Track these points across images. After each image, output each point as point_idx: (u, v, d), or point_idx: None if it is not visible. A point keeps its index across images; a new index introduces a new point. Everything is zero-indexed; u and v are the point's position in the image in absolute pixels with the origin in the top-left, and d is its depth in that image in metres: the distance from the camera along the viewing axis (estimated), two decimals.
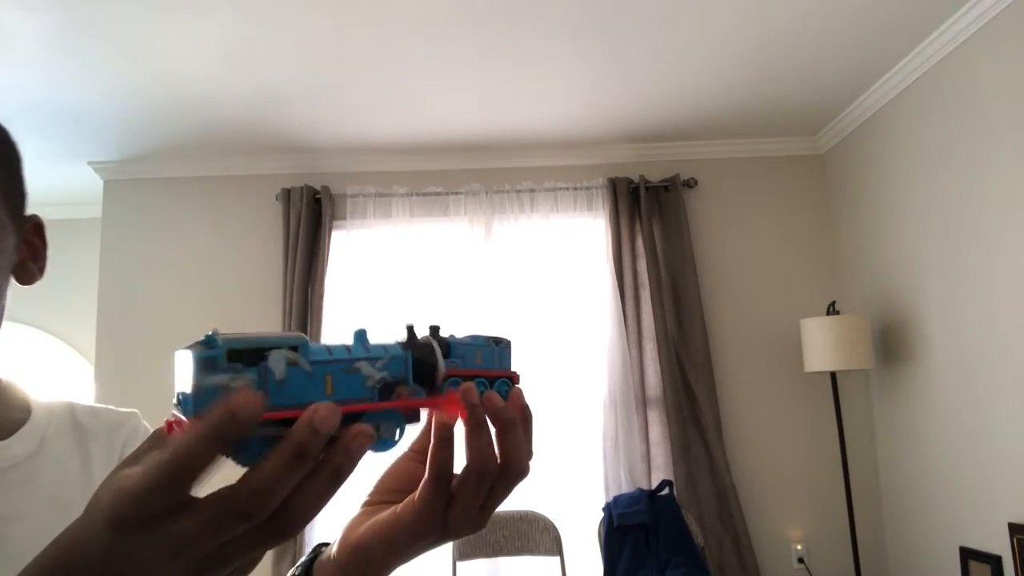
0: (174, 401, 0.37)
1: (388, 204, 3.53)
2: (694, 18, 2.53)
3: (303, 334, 0.39)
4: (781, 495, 3.40)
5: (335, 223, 3.50)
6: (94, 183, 3.69)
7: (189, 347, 0.36)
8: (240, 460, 0.36)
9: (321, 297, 3.37)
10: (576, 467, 3.35)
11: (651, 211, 3.52)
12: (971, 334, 2.62)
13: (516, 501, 3.20)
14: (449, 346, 0.47)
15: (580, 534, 3.18)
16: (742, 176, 3.67)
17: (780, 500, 3.40)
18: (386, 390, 0.42)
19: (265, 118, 3.19)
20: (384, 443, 0.42)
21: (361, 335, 0.42)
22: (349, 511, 0.53)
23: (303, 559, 0.53)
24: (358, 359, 0.41)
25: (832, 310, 3.14)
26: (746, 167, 3.68)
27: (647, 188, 3.52)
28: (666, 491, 3.07)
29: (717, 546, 3.20)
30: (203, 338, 0.36)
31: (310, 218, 3.45)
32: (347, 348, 0.41)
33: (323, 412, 0.36)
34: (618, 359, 3.35)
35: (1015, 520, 2.41)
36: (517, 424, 0.46)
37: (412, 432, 0.45)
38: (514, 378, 0.51)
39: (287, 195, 3.50)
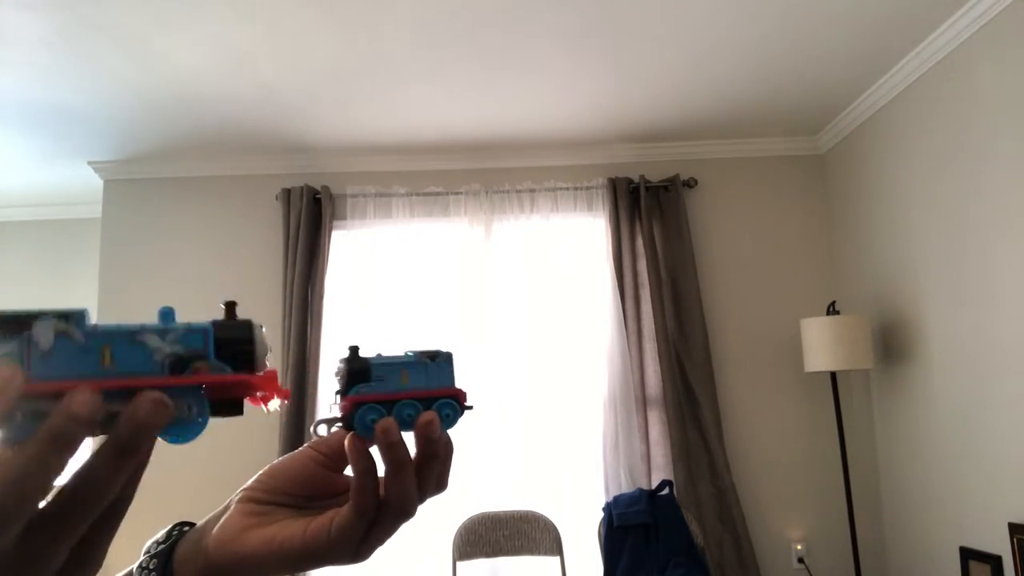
0: None
1: (388, 204, 3.53)
2: (694, 18, 2.53)
3: (87, 309, 0.35)
4: (781, 495, 3.40)
5: (335, 223, 3.50)
6: (94, 183, 3.69)
7: None
8: (8, 439, 0.32)
9: (321, 297, 3.36)
10: (576, 467, 3.35)
11: (651, 211, 3.52)
12: (971, 334, 2.62)
13: (516, 501, 3.21)
14: (368, 367, 0.43)
15: (580, 534, 3.18)
16: (742, 176, 3.67)
17: (780, 500, 3.40)
18: (178, 364, 0.37)
19: (265, 118, 3.19)
20: (184, 428, 0.37)
21: (165, 313, 0.38)
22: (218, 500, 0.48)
23: (158, 538, 0.47)
24: (144, 330, 0.36)
25: (832, 310, 3.14)
26: (746, 167, 3.68)
27: (647, 188, 3.52)
28: (666, 491, 3.07)
29: (717, 546, 3.20)
30: None
31: (310, 218, 3.45)
32: (141, 324, 0.37)
33: (80, 397, 0.32)
34: (618, 359, 3.35)
35: (1015, 520, 2.41)
36: (407, 465, 0.41)
37: (226, 424, 0.42)
38: (459, 396, 0.44)
39: (287, 195, 3.50)
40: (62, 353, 0.34)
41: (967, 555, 2.64)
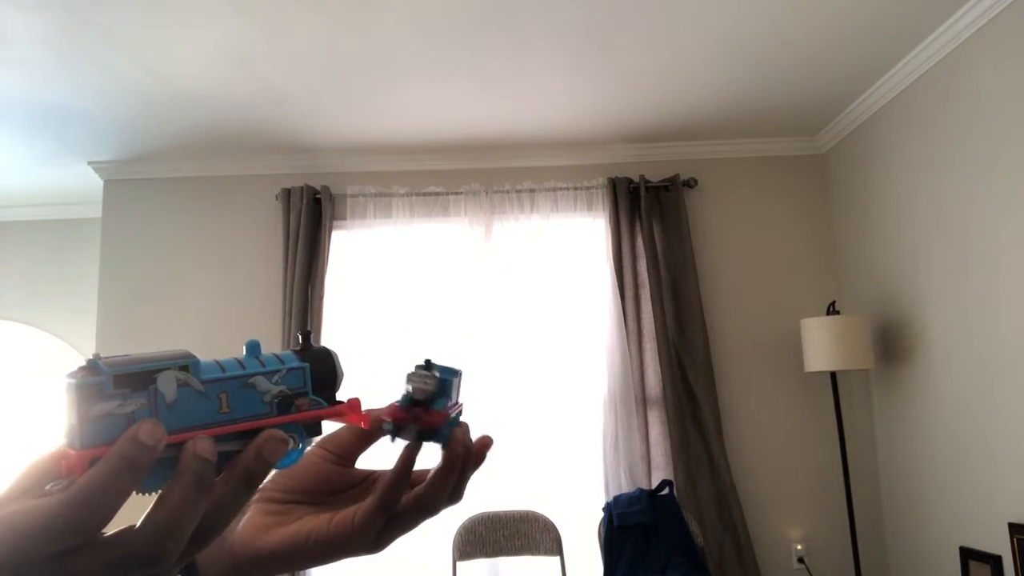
0: (64, 433, 0.35)
1: (388, 204, 3.53)
2: (694, 18, 2.53)
3: (191, 353, 0.38)
4: (781, 495, 3.40)
5: (335, 223, 3.50)
6: (94, 183, 3.70)
7: (68, 374, 0.35)
8: (142, 489, 0.35)
9: (321, 297, 3.37)
10: (576, 467, 3.35)
11: (651, 211, 3.52)
12: (971, 334, 2.62)
13: (516, 501, 3.21)
14: (449, 384, 0.46)
15: (580, 534, 3.18)
16: (742, 176, 3.67)
17: (780, 500, 3.40)
18: (285, 403, 0.41)
19: (265, 118, 3.19)
20: (289, 455, 0.40)
21: (253, 347, 0.41)
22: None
23: None
24: (254, 374, 0.39)
25: (832, 310, 3.14)
26: (746, 167, 3.68)
27: (647, 188, 3.52)
28: (666, 491, 3.07)
29: (717, 546, 3.20)
30: (86, 363, 0.35)
31: (310, 218, 3.45)
32: (240, 363, 0.40)
33: (204, 444, 0.35)
34: (618, 359, 3.35)
35: (1015, 520, 2.41)
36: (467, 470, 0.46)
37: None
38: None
39: (287, 195, 3.50)
40: (185, 403, 0.37)
41: (967, 555, 2.64)
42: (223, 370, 0.39)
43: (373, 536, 0.45)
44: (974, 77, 2.56)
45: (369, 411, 0.47)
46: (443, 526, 3.15)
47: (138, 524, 0.34)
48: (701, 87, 3.06)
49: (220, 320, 3.48)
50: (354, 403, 0.44)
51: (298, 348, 0.44)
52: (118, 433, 0.34)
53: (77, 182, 3.79)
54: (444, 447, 0.45)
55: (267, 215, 3.59)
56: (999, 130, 2.45)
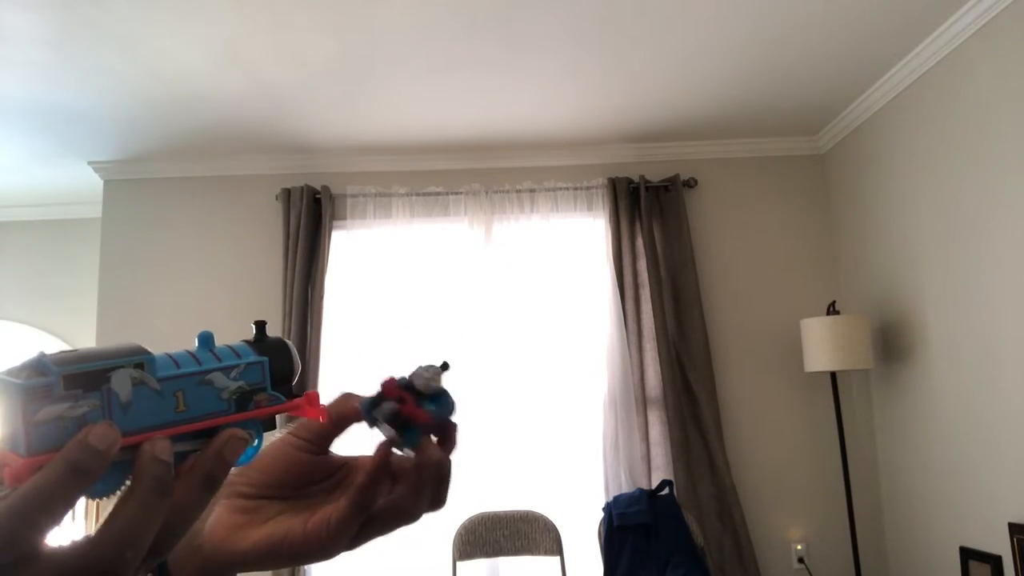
0: (5, 438, 0.33)
1: (388, 204, 3.53)
2: (694, 18, 2.53)
3: (143, 347, 0.36)
4: (781, 495, 3.40)
5: (335, 223, 3.50)
6: (94, 183, 3.69)
7: (9, 373, 0.32)
8: (93, 494, 0.33)
9: (321, 297, 3.36)
10: (576, 467, 3.35)
11: (651, 211, 3.52)
12: (971, 334, 2.62)
13: (516, 501, 3.21)
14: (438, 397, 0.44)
15: (580, 534, 3.18)
16: (742, 176, 3.67)
17: (780, 500, 3.40)
18: (243, 400, 0.39)
19: (265, 118, 3.19)
20: (246, 452, 0.39)
21: (206, 339, 0.39)
22: None
23: None
24: (211, 370, 0.38)
25: (832, 310, 3.14)
26: (746, 167, 3.68)
27: (647, 188, 3.52)
28: (666, 491, 3.07)
29: (717, 546, 3.20)
30: (30, 361, 0.32)
31: (310, 218, 3.45)
32: (194, 356, 0.38)
33: (161, 444, 0.34)
34: (618, 359, 3.35)
35: (1015, 520, 2.41)
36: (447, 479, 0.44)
37: (268, 437, 0.43)
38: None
39: (287, 195, 3.50)
40: (140, 403, 0.35)
41: (967, 555, 2.64)
42: (177, 365, 0.37)
43: (348, 539, 0.43)
44: (974, 77, 2.56)
45: (332, 404, 0.45)
46: (443, 526, 3.15)
47: (94, 534, 0.32)
48: (701, 87, 3.06)
49: (220, 320, 3.48)
50: (312, 396, 0.42)
51: (251, 340, 0.42)
52: (68, 437, 0.31)
53: (77, 182, 3.79)
54: (415, 452, 0.43)
55: (267, 215, 3.59)
56: (999, 130, 2.45)
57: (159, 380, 0.36)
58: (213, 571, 0.43)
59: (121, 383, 0.34)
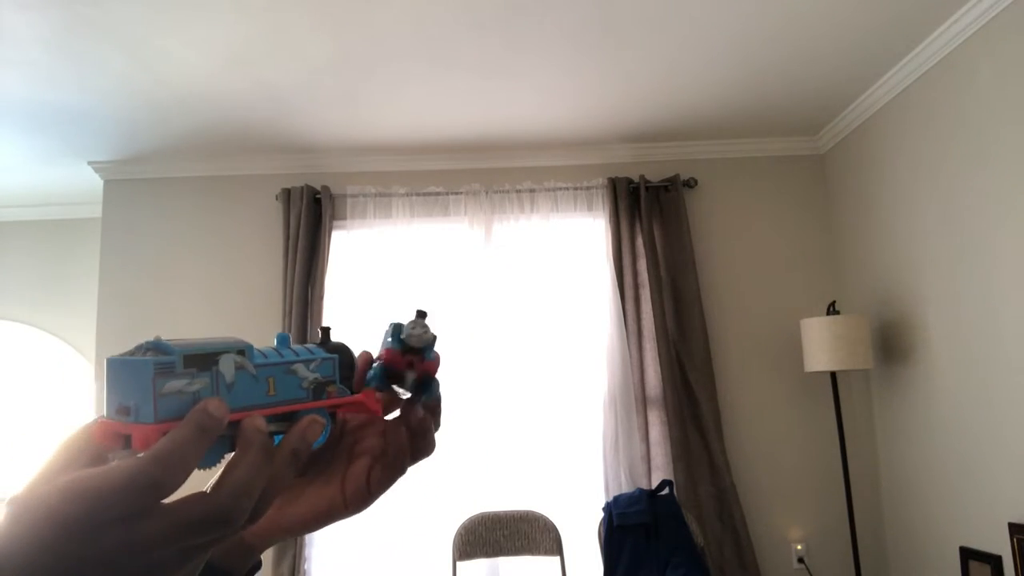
0: (107, 410, 0.37)
1: (388, 204, 3.53)
2: (694, 18, 2.53)
3: (244, 340, 0.41)
4: (781, 495, 3.40)
5: (335, 223, 3.50)
6: (94, 183, 3.70)
7: (133, 354, 0.37)
8: (201, 464, 0.37)
9: (321, 297, 3.37)
10: (576, 467, 3.35)
11: (651, 211, 3.52)
12: (971, 334, 2.62)
13: (516, 501, 3.21)
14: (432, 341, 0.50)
15: (580, 534, 3.18)
16: (742, 176, 3.67)
17: (780, 500, 3.40)
18: (319, 390, 0.45)
19: (265, 118, 3.19)
20: (319, 438, 0.44)
21: (284, 339, 0.45)
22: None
23: None
24: (295, 361, 0.43)
25: (832, 310, 3.14)
26: (746, 167, 3.68)
27: (647, 188, 3.52)
28: (666, 491, 3.07)
29: (717, 546, 3.20)
30: (147, 343, 0.37)
31: (310, 218, 3.45)
32: (277, 352, 0.43)
33: (260, 420, 0.39)
34: (618, 359, 3.35)
35: (1015, 520, 2.41)
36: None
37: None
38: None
39: (287, 195, 3.50)
40: (240, 384, 0.40)
41: (967, 555, 2.64)
42: (266, 357, 0.42)
43: (368, 501, 0.50)
44: (974, 77, 2.56)
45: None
46: (443, 526, 3.15)
47: (210, 488, 0.36)
48: (701, 87, 3.06)
49: (220, 320, 3.48)
50: (370, 393, 0.48)
51: (319, 342, 0.47)
52: (185, 409, 0.36)
53: (77, 182, 3.79)
54: (429, 399, 0.49)
55: (267, 215, 3.59)
56: (999, 130, 2.45)
57: (255, 366, 0.41)
58: (249, 544, 0.49)
59: (227, 366, 0.39)
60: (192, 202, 3.62)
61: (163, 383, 0.36)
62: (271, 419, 0.41)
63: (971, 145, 2.59)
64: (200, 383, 0.37)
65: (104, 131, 3.25)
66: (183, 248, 3.58)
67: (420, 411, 0.49)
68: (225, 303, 3.51)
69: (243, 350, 0.40)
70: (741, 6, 2.47)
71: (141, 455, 0.34)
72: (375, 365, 0.48)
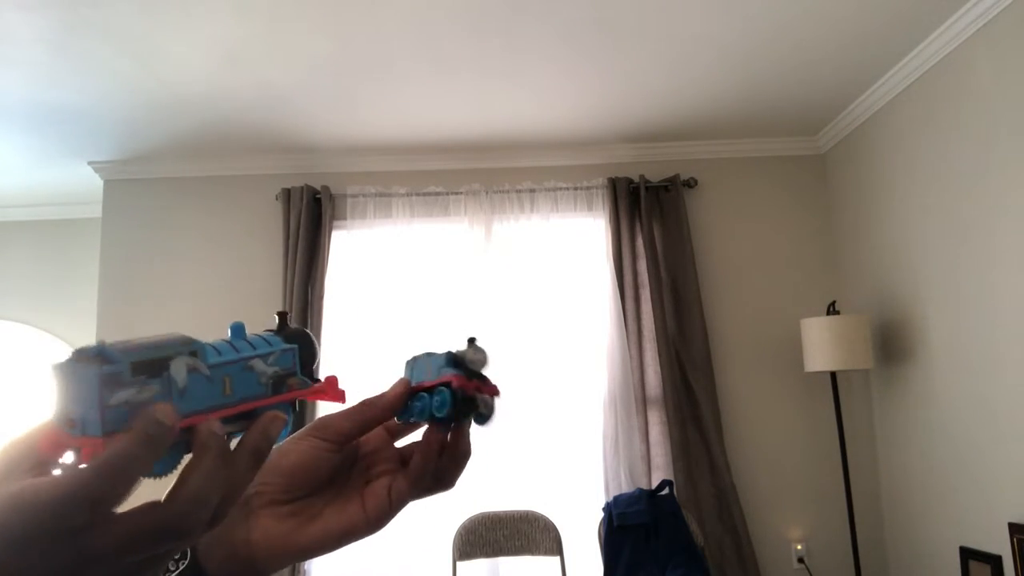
0: (55, 417, 0.35)
1: (388, 204, 3.53)
2: (694, 18, 2.53)
3: (191, 337, 0.39)
4: (781, 495, 3.40)
5: (335, 223, 3.50)
6: (94, 183, 3.69)
7: (77, 360, 0.34)
8: (153, 473, 0.35)
9: (321, 297, 3.36)
10: (576, 467, 3.35)
11: (651, 211, 3.52)
12: (971, 334, 2.62)
13: (516, 501, 3.21)
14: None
15: (580, 534, 3.18)
16: (742, 176, 3.67)
17: (780, 500, 3.40)
18: (278, 383, 0.43)
19: (265, 118, 3.19)
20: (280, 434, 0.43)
21: (239, 329, 0.42)
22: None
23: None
24: (252, 357, 0.41)
25: (832, 310, 3.14)
26: (746, 167, 3.68)
27: (647, 188, 3.52)
28: (666, 491, 3.07)
29: (717, 546, 3.20)
30: (91, 348, 0.34)
31: (310, 218, 3.45)
32: (232, 346, 0.41)
33: (216, 423, 0.37)
34: (618, 359, 3.35)
35: (1015, 520, 2.41)
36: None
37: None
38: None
39: (287, 195, 3.50)
40: (194, 387, 0.38)
41: (967, 555, 2.64)
42: (220, 353, 0.40)
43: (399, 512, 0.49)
44: (974, 77, 2.56)
45: (353, 412, 0.49)
46: (443, 526, 3.15)
47: (164, 498, 0.35)
48: (701, 87, 3.06)
49: (220, 320, 3.46)
50: (333, 380, 0.46)
51: (275, 329, 0.45)
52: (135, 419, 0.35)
53: (77, 182, 3.79)
54: (486, 423, 0.48)
55: (267, 215, 3.59)
56: (999, 130, 2.45)
57: (209, 367, 0.39)
58: (260, 568, 0.47)
59: (178, 370, 0.37)
60: (192, 202, 3.62)
61: (110, 394, 0.34)
62: (230, 419, 0.40)
63: (971, 145, 2.59)
64: (150, 391, 0.35)
65: (104, 131, 3.25)
66: (183, 248, 3.57)
67: (469, 443, 0.48)
68: (225, 303, 3.51)
69: (195, 351, 0.38)
70: (741, 6, 2.47)
71: (83, 466, 0.32)
72: (442, 389, 0.46)
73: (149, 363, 0.35)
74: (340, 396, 0.46)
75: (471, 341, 0.48)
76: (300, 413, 0.48)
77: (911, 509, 3.08)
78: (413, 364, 0.49)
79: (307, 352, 0.45)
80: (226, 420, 0.39)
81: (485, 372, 0.47)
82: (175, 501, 0.34)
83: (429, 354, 0.49)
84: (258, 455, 0.39)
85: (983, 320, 2.56)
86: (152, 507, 0.34)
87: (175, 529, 0.34)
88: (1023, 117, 2.34)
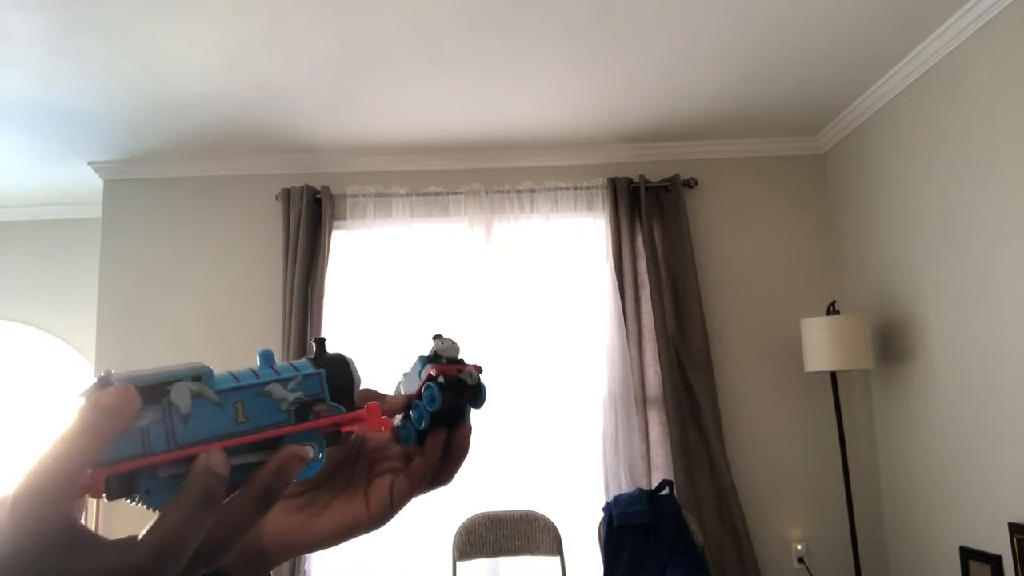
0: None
1: (388, 204, 3.53)
2: (694, 18, 2.53)
3: (205, 364, 0.37)
4: (781, 495, 3.40)
5: (335, 223, 3.50)
6: (94, 183, 3.69)
7: (83, 392, 0.34)
8: (151, 502, 0.34)
9: (321, 297, 3.36)
10: (576, 467, 3.35)
11: (651, 211, 3.52)
12: (971, 334, 2.62)
13: (516, 501, 3.21)
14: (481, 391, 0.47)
15: (580, 534, 3.18)
16: (742, 176, 3.67)
17: (780, 500, 3.40)
18: (302, 410, 0.40)
19: (265, 118, 3.19)
20: (313, 463, 0.40)
21: (267, 356, 0.40)
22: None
23: None
24: (268, 382, 0.39)
25: (832, 310, 3.14)
26: (746, 167, 3.68)
27: (647, 188, 3.52)
28: (666, 491, 3.07)
29: (717, 546, 3.20)
30: (96, 379, 0.34)
31: (310, 218, 3.45)
32: (255, 373, 0.39)
33: (216, 457, 0.35)
34: (618, 359, 3.35)
35: (1015, 520, 2.41)
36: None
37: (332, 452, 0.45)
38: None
39: (287, 195, 3.50)
40: (201, 414, 0.36)
41: (967, 555, 2.64)
42: (237, 380, 0.38)
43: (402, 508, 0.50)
44: (973, 77, 2.56)
45: (389, 404, 0.48)
46: (443, 526, 3.15)
47: (139, 537, 0.33)
48: (701, 87, 3.06)
49: (220, 320, 3.48)
50: (374, 408, 0.42)
51: (312, 356, 0.43)
52: (134, 448, 0.33)
53: (77, 182, 3.79)
54: (480, 404, 0.48)
55: (267, 215, 3.59)
56: (998, 130, 2.45)
57: (218, 392, 0.36)
58: (271, 559, 0.48)
59: (180, 396, 0.35)
60: (192, 202, 3.62)
61: None
62: (248, 448, 0.37)
63: (971, 145, 2.59)
64: (149, 418, 0.33)
65: (104, 131, 3.25)
66: (183, 248, 3.57)
67: (468, 438, 0.48)
68: (225, 303, 3.51)
69: (199, 376, 0.36)
70: (741, 6, 2.47)
71: (141, 541, 0.32)
72: (428, 385, 0.45)
73: (148, 388, 0.34)
74: (381, 424, 0.43)
75: (436, 337, 0.47)
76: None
77: (911, 509, 3.08)
78: (403, 383, 0.49)
79: (341, 378, 0.42)
80: (244, 450, 0.37)
81: (460, 357, 0.47)
82: (144, 544, 0.32)
83: (406, 373, 0.49)
84: (268, 495, 0.36)
85: (983, 320, 2.56)
86: (122, 547, 0.33)
87: (140, 572, 0.32)
88: (1022, 117, 2.34)
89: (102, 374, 0.34)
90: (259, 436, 0.38)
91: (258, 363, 0.40)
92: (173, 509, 0.33)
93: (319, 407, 0.40)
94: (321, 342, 0.43)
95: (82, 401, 0.33)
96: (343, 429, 0.42)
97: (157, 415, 0.34)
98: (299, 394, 0.40)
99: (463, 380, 0.45)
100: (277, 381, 0.39)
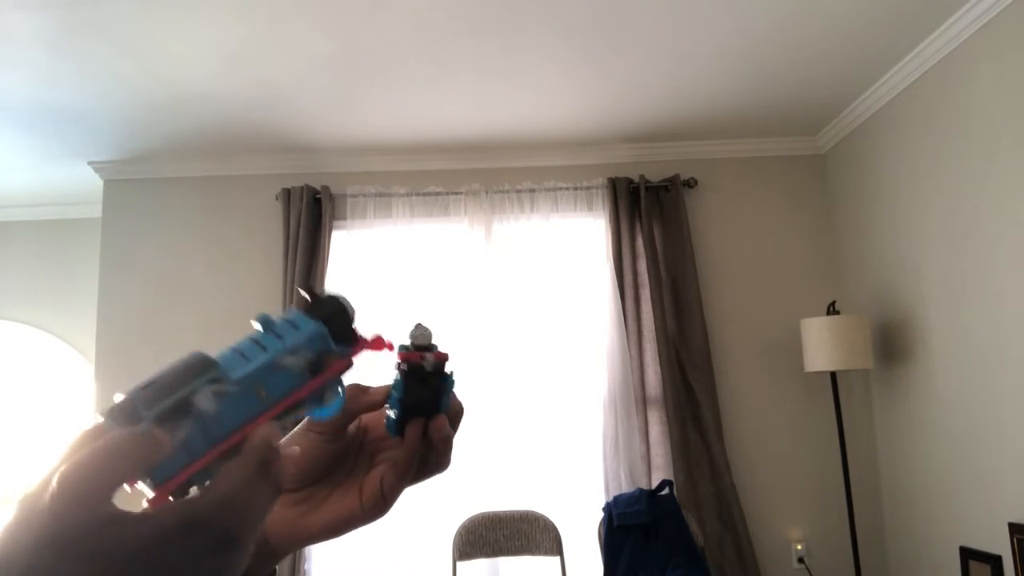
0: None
1: (388, 204, 3.53)
2: (694, 17, 2.53)
3: (206, 355, 0.38)
4: (781, 495, 3.40)
5: (335, 223, 3.50)
6: (94, 183, 3.69)
7: (112, 421, 0.35)
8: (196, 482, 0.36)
9: None
10: (576, 467, 3.35)
11: (651, 211, 3.52)
12: (971, 334, 2.62)
13: (516, 501, 3.21)
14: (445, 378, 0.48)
15: (580, 534, 3.18)
16: (742, 176, 3.67)
17: (780, 500, 3.40)
18: (315, 365, 0.42)
19: (265, 118, 3.19)
20: (333, 405, 0.43)
21: (266, 321, 0.42)
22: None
23: None
24: (277, 355, 0.40)
25: (832, 310, 3.14)
26: (746, 167, 3.68)
27: (647, 188, 3.52)
28: (666, 491, 3.07)
29: (717, 546, 3.20)
30: (123, 409, 0.35)
31: (310, 218, 3.45)
32: (258, 343, 0.40)
33: (264, 429, 0.38)
34: (618, 359, 3.35)
35: (1015, 520, 2.41)
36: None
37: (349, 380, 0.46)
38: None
39: (287, 195, 3.50)
40: (228, 407, 0.37)
41: (967, 555, 2.64)
42: (245, 357, 0.39)
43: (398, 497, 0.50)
44: (973, 77, 2.56)
45: (372, 396, 0.50)
46: (443, 526, 3.15)
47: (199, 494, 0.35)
48: (701, 87, 3.06)
49: (220, 320, 3.48)
50: (378, 339, 0.45)
51: (305, 308, 0.44)
52: (183, 459, 0.35)
53: (77, 182, 3.79)
54: (449, 386, 0.48)
55: (267, 215, 3.59)
56: (998, 130, 2.45)
57: (235, 382, 0.38)
58: (275, 550, 0.49)
59: (206, 401, 0.36)
60: (192, 202, 3.62)
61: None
62: (279, 416, 0.40)
63: (971, 144, 2.59)
64: (184, 431, 0.35)
65: (104, 131, 3.25)
66: (183, 248, 3.57)
67: (447, 426, 0.48)
68: (225, 303, 3.51)
69: (215, 376, 0.37)
70: (741, 6, 2.47)
71: (199, 495, 0.35)
72: (395, 378, 0.47)
73: (173, 409, 0.35)
74: (386, 345, 0.46)
75: (416, 325, 0.48)
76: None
77: (911, 509, 3.08)
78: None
79: (341, 322, 0.44)
80: (278, 418, 0.40)
81: (432, 344, 0.47)
82: (205, 498, 0.35)
83: (418, 326, 0.50)
84: (264, 464, 0.38)
85: (983, 320, 2.56)
86: (169, 506, 0.35)
87: (204, 525, 0.34)
88: (1022, 117, 2.34)
89: (122, 403, 0.35)
90: (285, 404, 0.40)
91: (260, 330, 0.41)
92: (230, 471, 0.36)
93: (328, 358, 0.43)
94: (312, 290, 0.45)
95: (105, 422, 0.35)
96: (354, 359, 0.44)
97: (192, 425, 0.36)
98: (308, 355, 0.41)
99: (423, 367, 0.46)
100: (286, 352, 0.40)
